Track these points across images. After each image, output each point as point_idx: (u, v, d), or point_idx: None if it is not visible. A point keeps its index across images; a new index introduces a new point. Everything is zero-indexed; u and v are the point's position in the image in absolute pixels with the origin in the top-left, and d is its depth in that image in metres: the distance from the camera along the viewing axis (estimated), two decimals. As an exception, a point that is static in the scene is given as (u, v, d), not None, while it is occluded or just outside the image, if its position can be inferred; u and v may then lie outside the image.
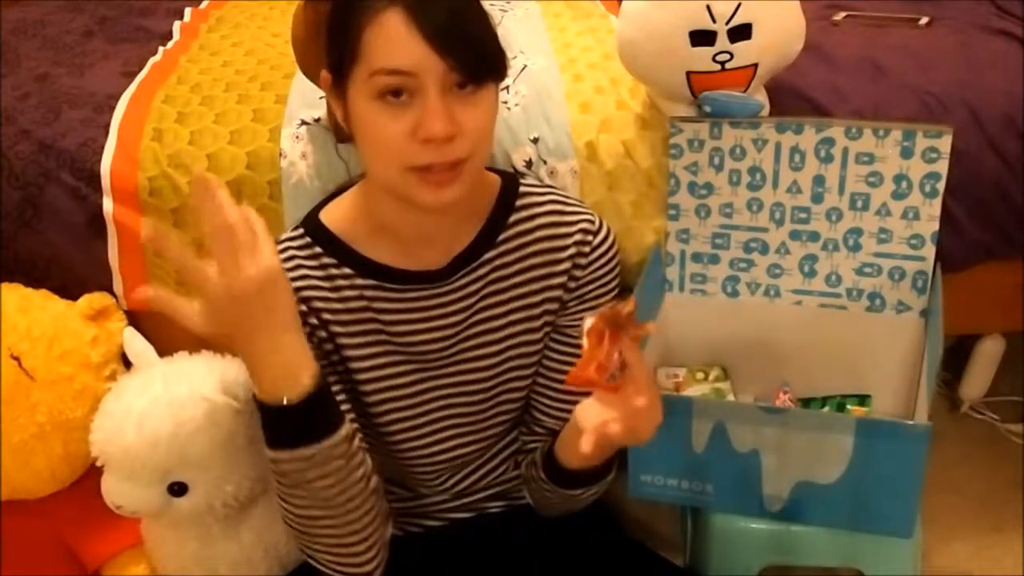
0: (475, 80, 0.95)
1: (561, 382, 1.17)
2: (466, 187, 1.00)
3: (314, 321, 1.08)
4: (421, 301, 1.10)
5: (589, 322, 0.91)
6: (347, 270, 1.08)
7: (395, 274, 1.09)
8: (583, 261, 1.12)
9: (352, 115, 0.98)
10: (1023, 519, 1.64)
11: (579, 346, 1.15)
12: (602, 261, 1.13)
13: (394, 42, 0.92)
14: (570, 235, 1.12)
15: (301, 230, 1.10)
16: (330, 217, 1.10)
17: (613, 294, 1.16)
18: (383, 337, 1.11)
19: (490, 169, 1.16)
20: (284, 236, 1.11)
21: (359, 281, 1.09)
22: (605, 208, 1.37)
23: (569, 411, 1.17)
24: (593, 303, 1.14)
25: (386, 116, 0.95)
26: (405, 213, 1.04)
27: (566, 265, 1.12)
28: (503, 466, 1.22)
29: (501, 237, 1.11)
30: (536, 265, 1.12)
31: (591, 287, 1.14)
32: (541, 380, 1.18)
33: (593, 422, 0.92)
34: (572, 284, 1.13)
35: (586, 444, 0.91)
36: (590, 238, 1.12)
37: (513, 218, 1.12)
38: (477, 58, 0.95)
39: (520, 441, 1.22)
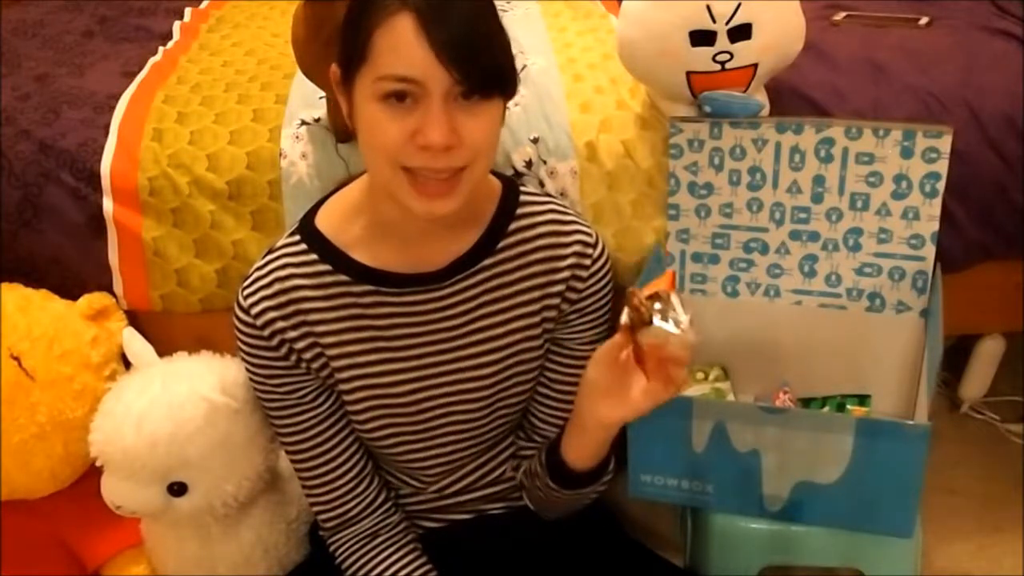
0: (480, 93, 0.95)
1: (562, 393, 1.17)
2: (461, 199, 0.99)
3: (301, 345, 1.08)
4: (418, 305, 1.10)
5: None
6: (342, 277, 1.08)
7: (392, 278, 1.08)
8: (583, 274, 1.12)
9: (355, 112, 0.98)
10: (1023, 519, 1.64)
11: (580, 357, 1.16)
12: (600, 275, 1.14)
13: (401, 49, 0.91)
14: (568, 245, 1.12)
15: (297, 236, 1.10)
16: (326, 221, 1.10)
17: (610, 305, 1.17)
18: (380, 344, 1.10)
19: (492, 173, 1.16)
20: (280, 243, 1.10)
21: (355, 288, 1.08)
22: (605, 208, 1.37)
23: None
24: (592, 316, 1.15)
25: (387, 117, 0.94)
26: (408, 212, 1.04)
27: (565, 275, 1.12)
28: (502, 468, 1.22)
29: (501, 244, 1.11)
30: (536, 274, 1.12)
31: (590, 300, 1.14)
32: (542, 390, 1.18)
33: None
34: (572, 296, 1.13)
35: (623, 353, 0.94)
36: (589, 251, 1.12)
37: (513, 226, 1.12)
38: (484, 72, 0.94)
39: (517, 446, 1.22)
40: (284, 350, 1.09)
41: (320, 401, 1.12)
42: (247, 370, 1.12)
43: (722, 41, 1.21)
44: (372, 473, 1.18)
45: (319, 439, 1.13)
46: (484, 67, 0.94)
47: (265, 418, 1.17)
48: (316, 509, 1.18)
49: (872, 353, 1.38)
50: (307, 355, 1.09)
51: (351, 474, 1.15)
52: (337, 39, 1.00)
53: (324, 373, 1.11)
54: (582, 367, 1.17)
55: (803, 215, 1.33)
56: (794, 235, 1.35)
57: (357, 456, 1.16)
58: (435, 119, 0.93)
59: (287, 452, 1.16)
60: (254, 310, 1.07)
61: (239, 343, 1.10)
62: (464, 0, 0.93)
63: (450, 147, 0.94)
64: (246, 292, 1.08)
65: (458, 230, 1.10)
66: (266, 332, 1.08)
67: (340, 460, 1.14)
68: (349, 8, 0.98)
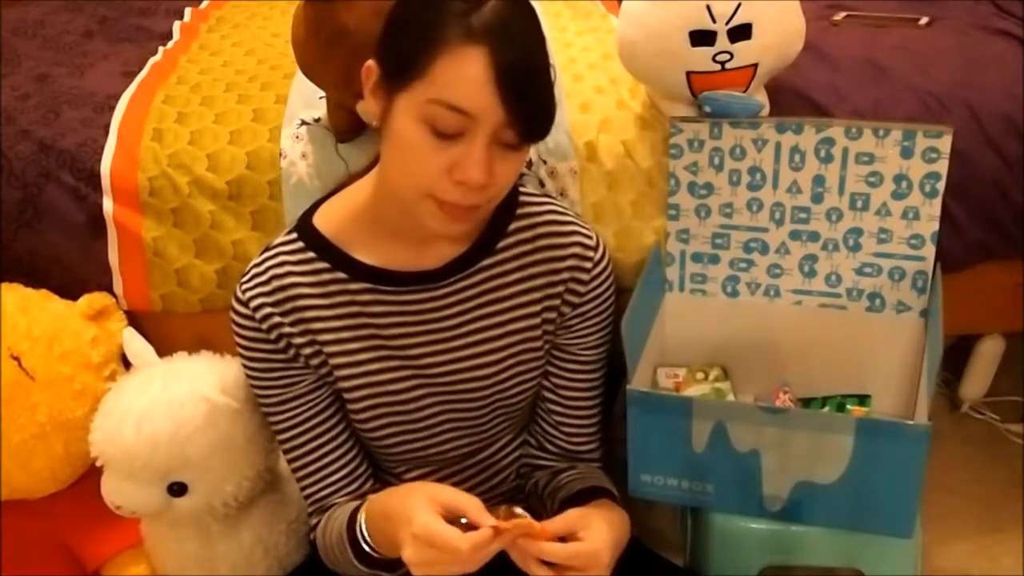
0: (526, 140, 0.95)
1: (570, 400, 1.18)
2: (477, 221, 1.01)
3: (299, 340, 1.08)
4: (416, 304, 1.10)
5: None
6: (340, 274, 1.08)
7: (389, 276, 1.08)
8: (584, 277, 1.12)
9: (391, 121, 0.97)
10: (1023, 519, 1.64)
11: (586, 363, 1.16)
12: (601, 278, 1.13)
13: (467, 81, 0.90)
14: (567, 246, 1.12)
15: (295, 235, 1.10)
16: (324, 220, 1.10)
17: (612, 308, 1.17)
18: (378, 342, 1.10)
19: None
20: (277, 241, 1.10)
21: (352, 286, 1.08)
22: (605, 208, 1.37)
23: (578, 429, 1.19)
24: (595, 320, 1.15)
25: (428, 144, 0.93)
26: (409, 215, 1.04)
27: (564, 276, 1.12)
28: (506, 471, 1.22)
29: (500, 245, 1.11)
30: (536, 275, 1.12)
31: (592, 304, 1.14)
32: (549, 396, 1.18)
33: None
34: (574, 299, 1.13)
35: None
36: (590, 253, 1.12)
37: (513, 226, 1.12)
38: (538, 121, 0.95)
39: (529, 453, 1.22)
40: (283, 344, 1.09)
41: (317, 395, 1.12)
42: (244, 365, 1.12)
43: (722, 41, 1.21)
44: (366, 475, 1.17)
45: (314, 433, 1.13)
46: (538, 116, 0.95)
47: (265, 418, 1.17)
48: (307, 502, 1.17)
49: (872, 353, 1.38)
50: (306, 351, 1.09)
51: (344, 471, 1.15)
52: (370, 37, 0.97)
53: (323, 371, 1.11)
54: (588, 372, 1.17)
55: (803, 215, 1.33)
56: (794, 235, 1.35)
57: (352, 453, 1.16)
58: (477, 157, 0.93)
59: (282, 447, 1.16)
60: (252, 303, 1.08)
61: (237, 338, 1.10)
62: (533, 44, 0.94)
63: (486, 186, 0.95)
64: (244, 288, 1.09)
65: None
66: (264, 326, 1.08)
67: (335, 456, 1.14)
68: (401, 11, 0.95)
